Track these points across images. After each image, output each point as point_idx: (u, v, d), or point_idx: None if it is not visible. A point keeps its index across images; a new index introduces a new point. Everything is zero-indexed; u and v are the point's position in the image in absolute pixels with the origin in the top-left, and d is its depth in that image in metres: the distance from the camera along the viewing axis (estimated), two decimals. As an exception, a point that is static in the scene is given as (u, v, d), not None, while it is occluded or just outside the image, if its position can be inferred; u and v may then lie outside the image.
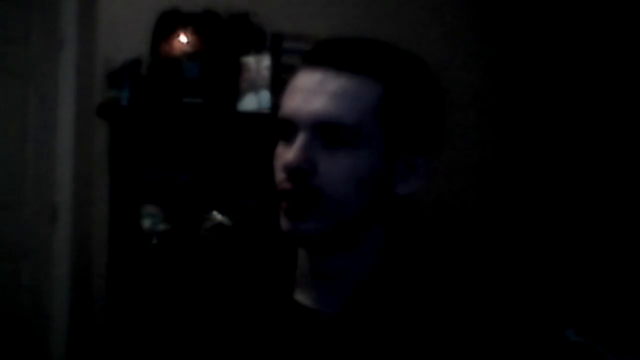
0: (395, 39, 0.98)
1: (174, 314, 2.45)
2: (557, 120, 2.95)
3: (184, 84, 2.67)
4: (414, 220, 0.99)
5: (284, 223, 0.89)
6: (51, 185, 2.99)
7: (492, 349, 0.88)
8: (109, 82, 2.76)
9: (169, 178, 2.77)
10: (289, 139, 0.89)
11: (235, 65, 2.67)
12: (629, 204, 2.87)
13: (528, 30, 2.96)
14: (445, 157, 1.03)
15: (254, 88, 2.64)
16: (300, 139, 0.87)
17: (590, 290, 2.74)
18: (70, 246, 2.99)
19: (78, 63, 2.98)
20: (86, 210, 2.99)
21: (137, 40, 2.82)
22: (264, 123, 2.51)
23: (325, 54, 0.89)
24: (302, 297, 0.94)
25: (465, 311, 0.90)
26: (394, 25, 2.89)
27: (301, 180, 0.86)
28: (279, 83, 2.57)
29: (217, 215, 2.69)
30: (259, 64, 2.64)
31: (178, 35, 2.73)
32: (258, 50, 2.69)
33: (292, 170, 0.86)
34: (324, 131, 0.87)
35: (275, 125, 0.91)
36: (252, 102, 2.64)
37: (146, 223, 2.71)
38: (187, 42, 2.71)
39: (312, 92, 0.87)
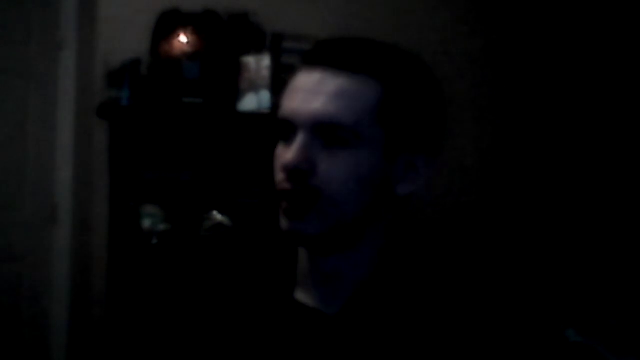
0: (395, 38, 0.98)
1: (174, 314, 2.45)
2: (557, 120, 2.95)
3: (184, 84, 2.67)
4: (414, 220, 0.99)
5: (284, 223, 0.90)
6: (51, 185, 2.99)
7: (493, 349, 0.88)
8: (109, 82, 2.76)
9: (169, 178, 2.77)
10: (288, 139, 0.89)
11: (235, 65, 2.67)
12: (629, 204, 2.87)
13: (528, 29, 2.96)
14: (445, 156, 1.03)
15: (254, 88, 2.64)
16: (300, 139, 0.87)
17: (590, 291, 2.74)
18: (70, 246, 2.99)
19: (78, 63, 2.98)
20: (86, 210, 2.99)
21: (137, 40, 2.82)
22: (264, 123, 2.51)
23: (324, 54, 0.89)
24: (302, 297, 0.94)
25: (465, 311, 0.90)
26: (394, 25, 2.89)
27: (300, 180, 0.87)
28: (279, 83, 2.57)
29: (217, 215, 2.69)
30: (259, 64, 2.64)
31: (178, 35, 2.73)
32: (258, 50, 2.69)
33: (291, 170, 0.87)
34: (323, 131, 0.87)
35: (275, 126, 0.91)
36: (252, 102, 2.64)
37: (146, 223, 2.71)
38: (187, 42, 2.71)
39: (311, 93, 0.88)
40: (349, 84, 0.87)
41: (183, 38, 2.72)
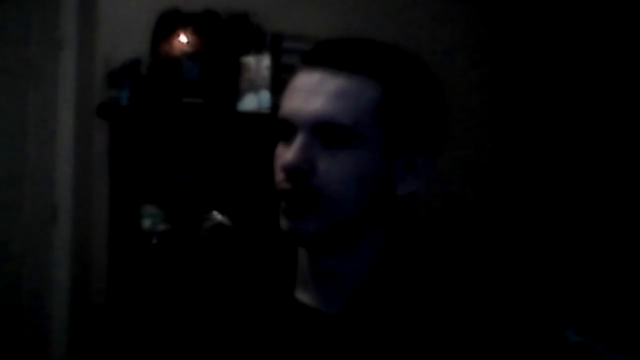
0: (395, 38, 0.98)
1: (174, 314, 2.45)
2: (558, 121, 2.95)
3: (184, 84, 2.67)
4: (413, 220, 0.99)
5: (284, 223, 0.90)
6: (51, 185, 2.99)
7: (492, 348, 0.88)
8: (109, 82, 2.76)
9: (169, 178, 2.77)
10: (288, 140, 0.89)
11: (235, 65, 2.67)
12: (629, 204, 2.87)
13: (529, 29, 2.96)
14: (445, 156, 1.03)
15: (254, 88, 2.64)
16: (299, 139, 0.87)
17: (590, 290, 2.74)
18: (70, 246, 2.99)
19: (78, 63, 2.98)
20: (86, 210, 2.99)
21: (137, 40, 2.83)
22: (264, 123, 2.52)
23: (323, 54, 0.89)
24: (302, 296, 0.94)
25: (465, 311, 0.90)
26: (395, 25, 2.89)
27: (300, 180, 0.87)
28: (279, 83, 2.57)
29: (217, 215, 2.69)
30: (259, 64, 2.64)
31: (178, 35, 2.73)
32: (258, 50, 2.69)
33: (290, 170, 0.87)
34: (323, 131, 0.87)
35: (275, 126, 0.91)
36: (252, 102, 2.64)
37: (146, 223, 2.72)
38: (187, 42, 2.72)
39: (310, 93, 0.88)
40: (349, 84, 0.87)
41: (183, 38, 2.72)
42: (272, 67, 2.63)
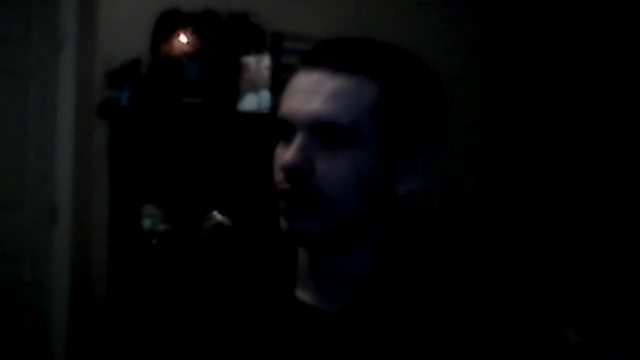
0: (395, 38, 0.98)
1: (174, 314, 2.45)
2: (558, 121, 2.95)
3: (184, 84, 2.67)
4: (413, 220, 0.99)
5: (283, 223, 0.90)
6: (51, 185, 2.99)
7: (492, 348, 0.88)
8: (109, 82, 2.76)
9: (169, 178, 2.77)
10: (287, 140, 0.89)
11: (235, 65, 2.67)
12: (629, 204, 2.87)
13: (529, 27, 2.96)
14: (446, 156, 1.03)
15: (254, 88, 2.64)
16: (298, 140, 0.87)
17: (590, 290, 2.74)
18: (70, 246, 2.99)
19: (78, 63, 2.98)
20: (86, 210, 2.99)
21: (137, 40, 2.82)
22: (264, 123, 2.51)
23: (322, 55, 0.89)
24: (303, 295, 0.95)
25: (465, 310, 0.90)
26: (395, 25, 2.89)
27: (299, 180, 0.87)
28: (279, 83, 2.57)
29: (217, 215, 2.69)
30: (259, 64, 2.64)
31: (178, 35, 2.73)
32: (258, 50, 2.69)
33: (289, 171, 0.87)
34: (322, 131, 0.87)
35: (274, 126, 0.91)
36: (252, 102, 2.64)
37: (146, 223, 2.71)
38: (187, 42, 2.72)
39: (309, 93, 0.88)
40: (348, 84, 0.87)
41: (183, 38, 2.72)
42: (272, 67, 2.63)
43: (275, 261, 1.00)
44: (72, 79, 2.98)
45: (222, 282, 1.02)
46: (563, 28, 2.94)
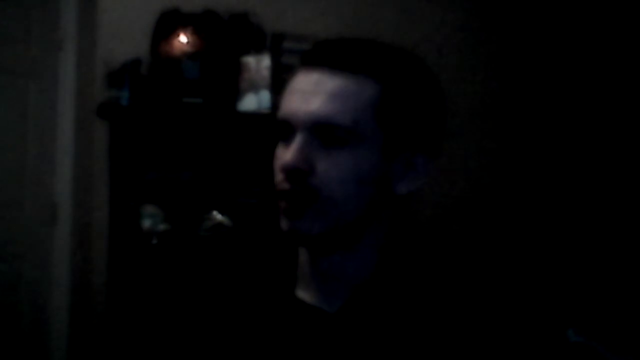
0: (396, 38, 0.98)
1: (174, 314, 2.45)
2: (558, 121, 2.95)
3: (184, 84, 2.67)
4: (414, 220, 0.99)
5: (283, 223, 0.90)
6: (51, 185, 2.99)
7: (493, 348, 0.88)
8: (109, 82, 2.76)
9: (169, 178, 2.77)
10: (287, 140, 0.89)
11: (235, 65, 2.67)
12: (629, 205, 2.87)
13: (529, 29, 2.96)
14: (446, 156, 1.03)
15: (254, 88, 2.64)
16: (298, 140, 0.87)
17: (590, 290, 2.74)
18: (70, 246, 2.99)
19: (78, 63, 2.98)
20: (86, 210, 2.99)
21: (137, 40, 2.83)
22: (264, 123, 2.51)
23: (322, 55, 0.90)
24: (303, 294, 0.95)
25: (466, 310, 0.90)
26: (394, 26, 2.89)
27: (299, 180, 0.87)
28: (279, 83, 2.57)
29: (217, 215, 2.69)
30: (259, 64, 2.64)
31: (178, 35, 2.73)
32: (258, 50, 2.69)
33: (289, 171, 0.87)
34: (322, 131, 0.87)
35: (274, 126, 0.91)
36: (252, 102, 2.64)
37: (146, 223, 2.71)
38: (187, 42, 2.71)
39: (309, 93, 0.88)
40: (347, 84, 0.87)
41: (183, 38, 2.72)
42: (272, 67, 2.63)
43: (275, 261, 1.00)
44: (72, 79, 2.98)
45: (222, 282, 1.02)
46: (563, 29, 2.94)
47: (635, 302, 2.56)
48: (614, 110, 2.92)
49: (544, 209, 2.93)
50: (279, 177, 0.90)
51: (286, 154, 0.88)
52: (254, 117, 2.63)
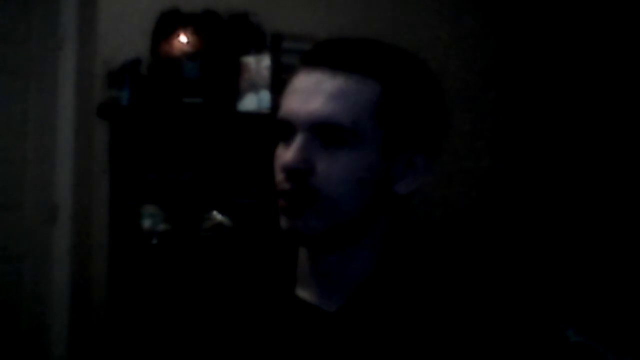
0: (395, 38, 0.98)
1: (174, 314, 2.45)
2: (558, 121, 2.95)
3: (184, 84, 2.67)
4: (414, 219, 0.99)
5: (283, 222, 0.90)
6: (51, 185, 2.99)
7: (493, 348, 0.88)
8: (109, 82, 2.76)
9: (169, 178, 2.77)
10: (287, 140, 0.89)
11: (235, 65, 2.67)
12: (629, 205, 2.87)
13: (529, 30, 2.96)
14: (446, 156, 1.03)
15: (254, 88, 2.64)
16: (298, 140, 0.87)
17: (590, 290, 2.74)
18: (70, 246, 2.99)
19: (78, 63, 2.98)
20: (86, 210, 2.99)
21: (137, 40, 2.83)
22: (264, 123, 2.51)
23: (322, 55, 0.90)
24: (303, 293, 0.95)
25: (466, 310, 0.90)
26: (394, 26, 2.89)
27: (299, 180, 0.87)
28: (279, 83, 2.57)
29: (217, 215, 2.69)
30: (259, 64, 2.64)
31: (178, 35, 2.73)
32: (258, 50, 2.69)
33: (290, 171, 0.87)
34: (322, 131, 0.87)
35: (275, 126, 0.91)
36: (252, 102, 2.64)
37: (146, 223, 2.71)
38: (187, 42, 2.72)
39: (309, 93, 0.88)
40: (347, 83, 0.87)
41: (183, 38, 2.72)
42: (272, 67, 2.63)
43: (275, 260, 1.00)
44: (72, 79, 2.98)
45: (223, 282, 1.02)
46: (564, 29, 2.94)
47: (635, 302, 2.56)
48: (613, 112, 2.92)
49: (544, 209, 2.93)
50: (279, 177, 0.90)
51: (286, 154, 0.88)
52: (254, 117, 2.63)
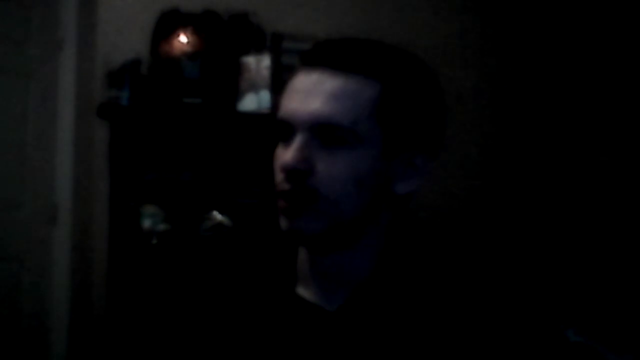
0: (395, 39, 0.98)
1: (174, 314, 2.45)
2: (558, 120, 2.95)
3: (184, 84, 2.67)
4: (414, 219, 0.99)
5: (283, 222, 0.90)
6: (51, 185, 2.99)
7: (493, 348, 0.88)
8: (109, 82, 2.76)
9: (169, 178, 2.77)
10: (287, 140, 0.89)
11: (235, 65, 2.67)
12: (629, 204, 2.87)
13: (530, 29, 2.96)
14: (445, 156, 1.03)
15: (254, 88, 2.64)
16: (298, 140, 0.87)
17: (590, 290, 2.74)
18: (70, 246, 2.99)
19: (78, 63, 2.98)
20: (86, 210, 2.99)
21: (137, 40, 2.83)
22: (263, 123, 2.51)
23: (321, 55, 0.90)
24: (304, 292, 0.95)
25: (466, 309, 0.90)
26: (394, 26, 2.89)
27: (299, 180, 0.87)
28: (279, 83, 2.57)
29: (217, 215, 2.69)
30: (259, 64, 2.64)
31: (178, 35, 2.73)
32: (258, 50, 2.69)
33: (289, 171, 0.87)
34: (321, 131, 0.87)
35: (274, 127, 0.91)
36: (252, 102, 2.64)
37: (146, 223, 2.71)
38: (187, 42, 2.71)
39: (308, 93, 0.88)
40: (347, 83, 0.87)
41: (183, 38, 2.72)
42: (272, 67, 2.63)
43: (275, 260, 1.00)
44: (72, 79, 2.98)
45: (223, 281, 1.02)
46: (564, 29, 2.94)
47: (635, 302, 2.56)
48: (613, 113, 2.92)
49: (544, 209, 2.93)
50: (279, 177, 0.90)
51: (286, 154, 0.88)
52: (254, 117, 2.64)
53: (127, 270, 2.73)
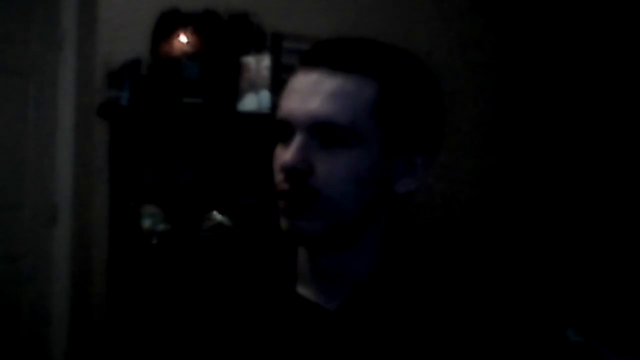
0: (395, 38, 0.98)
1: (174, 314, 2.45)
2: (558, 121, 2.95)
3: (184, 84, 2.67)
4: (414, 219, 0.99)
5: (283, 222, 0.90)
6: (51, 185, 2.99)
7: (493, 348, 0.88)
8: (109, 82, 2.76)
9: (169, 178, 2.77)
10: (287, 140, 0.89)
11: (235, 65, 2.67)
12: (629, 204, 2.87)
13: (530, 29, 2.96)
14: (445, 156, 1.03)
15: (254, 88, 2.64)
16: (297, 140, 0.87)
17: (590, 290, 2.74)
18: (70, 246, 2.99)
19: (78, 63, 2.98)
20: (86, 210, 2.99)
21: (137, 40, 2.83)
22: (263, 123, 2.51)
23: (320, 55, 0.90)
24: (304, 291, 0.95)
25: (465, 309, 0.90)
26: (394, 26, 2.89)
27: (298, 180, 0.87)
28: (279, 83, 2.57)
29: (217, 215, 2.69)
30: (259, 64, 2.64)
31: (178, 35, 2.73)
32: (258, 50, 2.69)
33: (289, 171, 0.87)
34: (321, 131, 0.87)
35: (274, 127, 0.91)
36: (252, 102, 2.64)
37: (146, 223, 2.71)
38: (187, 42, 2.71)
39: (308, 93, 0.88)
40: (346, 83, 0.87)
41: (183, 38, 2.72)
42: (272, 67, 2.63)
43: (275, 259, 1.00)
44: (72, 79, 2.98)
45: (222, 281, 1.02)
46: (565, 29, 2.94)
47: (635, 302, 2.56)
48: (614, 111, 2.92)
49: (544, 209, 2.93)
50: (278, 177, 0.90)
51: (286, 154, 0.88)
52: (254, 117, 2.63)
53: (127, 270, 2.73)
